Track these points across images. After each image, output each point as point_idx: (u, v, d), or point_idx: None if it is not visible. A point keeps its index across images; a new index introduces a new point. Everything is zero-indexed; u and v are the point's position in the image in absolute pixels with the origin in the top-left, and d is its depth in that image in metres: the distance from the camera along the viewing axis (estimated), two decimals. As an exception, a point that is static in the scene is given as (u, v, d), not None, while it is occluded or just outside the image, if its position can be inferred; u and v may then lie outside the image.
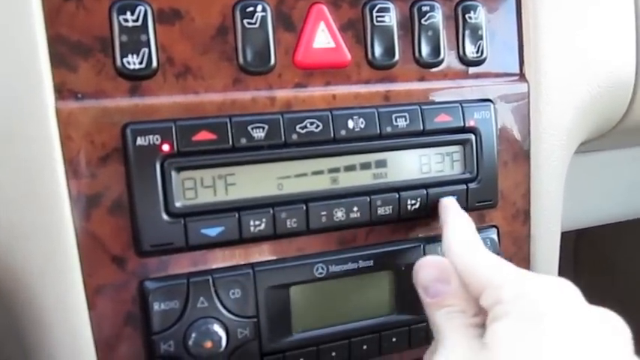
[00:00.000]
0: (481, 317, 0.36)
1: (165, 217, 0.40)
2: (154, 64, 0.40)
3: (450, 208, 0.45)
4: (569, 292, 0.34)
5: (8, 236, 0.38)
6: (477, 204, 0.48)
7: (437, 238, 0.48)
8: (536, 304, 0.33)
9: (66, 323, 0.39)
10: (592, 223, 0.70)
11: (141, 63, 0.40)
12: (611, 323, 0.33)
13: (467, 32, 0.48)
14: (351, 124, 0.44)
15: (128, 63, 0.39)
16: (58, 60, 0.38)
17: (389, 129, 0.45)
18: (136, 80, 0.40)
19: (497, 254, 0.48)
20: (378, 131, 0.45)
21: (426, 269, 0.41)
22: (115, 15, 0.39)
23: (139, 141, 0.39)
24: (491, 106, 0.48)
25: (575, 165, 0.56)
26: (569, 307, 0.33)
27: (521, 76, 0.50)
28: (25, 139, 0.37)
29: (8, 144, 0.37)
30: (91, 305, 0.40)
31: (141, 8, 0.39)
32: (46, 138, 0.38)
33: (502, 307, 0.34)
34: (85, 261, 0.39)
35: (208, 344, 0.40)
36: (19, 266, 0.38)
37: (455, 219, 0.43)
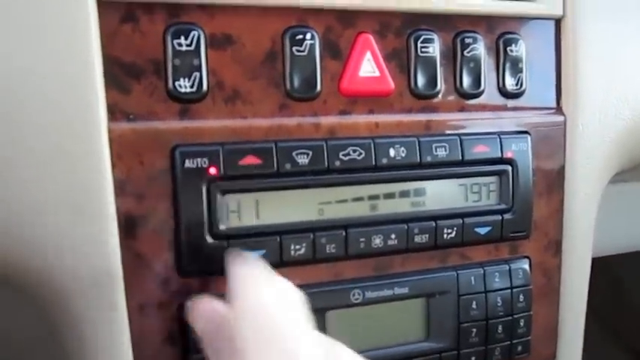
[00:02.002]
0: None
1: (209, 239, 0.41)
2: (205, 87, 0.41)
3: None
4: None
5: (56, 248, 0.38)
6: (511, 234, 0.49)
7: (470, 266, 0.48)
8: None
9: (106, 339, 0.40)
10: (620, 251, 0.71)
11: (192, 87, 0.40)
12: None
13: (507, 65, 0.48)
14: (392, 152, 0.44)
15: (180, 86, 0.40)
16: (111, 81, 0.39)
17: (429, 158, 0.45)
18: (186, 103, 0.40)
19: (529, 285, 0.50)
20: (419, 160, 0.45)
21: (203, 322, 0.38)
22: (169, 39, 0.39)
23: (187, 163, 0.40)
24: (528, 138, 0.49)
25: (606, 193, 0.57)
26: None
27: (558, 109, 0.51)
28: (78, 156, 0.38)
29: (61, 160, 0.37)
30: (132, 323, 0.40)
31: (195, 33, 0.40)
32: (98, 156, 0.38)
33: None
34: (128, 279, 0.40)
35: (246, 366, 0.41)
36: (65, 279, 0.39)
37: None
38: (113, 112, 0.39)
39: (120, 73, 0.39)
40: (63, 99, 0.37)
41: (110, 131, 0.39)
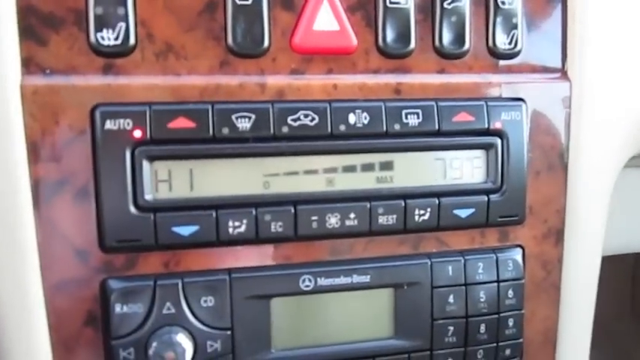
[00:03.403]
0: None
1: (133, 210, 0.36)
2: (132, 40, 0.36)
3: None
4: None
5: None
6: (500, 219, 0.42)
7: (448, 254, 0.42)
8: None
9: (20, 320, 0.36)
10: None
11: (117, 39, 0.36)
12: None
13: (498, 19, 0.41)
14: (352, 118, 0.38)
15: (103, 38, 0.36)
16: (27, 32, 0.35)
17: (397, 127, 0.39)
18: (110, 57, 0.36)
19: (520, 279, 0.42)
20: (385, 129, 0.39)
21: None
22: None
23: (109, 124, 0.35)
24: (523, 106, 0.41)
25: (625, 180, 0.48)
26: None
27: (563, 74, 0.43)
28: (-16, 115, 0.34)
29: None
30: (48, 302, 0.36)
31: None
32: (8, 116, 0.34)
33: None
34: (44, 253, 0.36)
35: (170, 356, 0.36)
36: None
37: None
38: (27, 66, 0.35)
39: (36, 23, 0.35)
40: (-33, 49, 0.33)
41: (23, 87, 0.35)
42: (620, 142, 0.44)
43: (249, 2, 0.37)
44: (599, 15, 0.43)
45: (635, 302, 1.05)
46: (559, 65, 0.43)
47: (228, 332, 0.38)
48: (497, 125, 0.41)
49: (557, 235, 0.44)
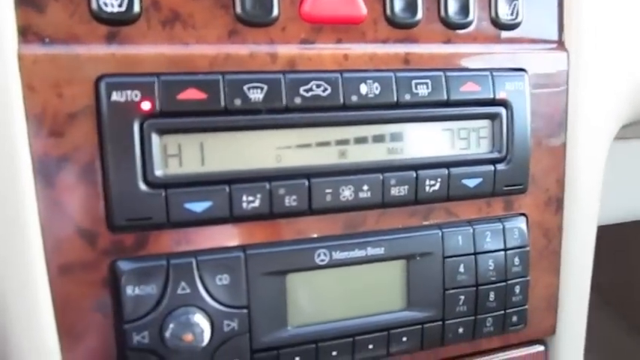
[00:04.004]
0: None
1: (143, 187, 0.34)
2: (136, 7, 0.34)
3: None
4: None
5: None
6: (505, 188, 0.42)
7: (458, 224, 0.42)
8: None
9: (25, 307, 0.34)
10: (630, 218, 0.64)
11: (120, 5, 0.34)
12: None
13: (501, -10, 0.42)
14: (364, 89, 0.38)
15: (105, 4, 0.33)
16: None
17: (408, 97, 0.39)
18: (114, 26, 0.34)
19: (526, 247, 0.43)
20: (395, 99, 0.39)
21: None
22: None
23: (115, 96, 0.33)
24: (525, 76, 0.42)
25: (614, 153, 0.50)
26: None
27: (560, 44, 0.44)
28: (-20, 87, 0.32)
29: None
30: (54, 287, 0.34)
31: None
32: (5, 88, 0.32)
33: None
34: (48, 235, 0.34)
35: (188, 337, 0.35)
36: None
37: None
38: (25, 35, 0.33)
39: None
40: (-41, 15, 0.31)
41: (21, 56, 0.32)
42: (614, 110, 0.46)
43: (258, -31, 0.36)
44: (594, -14, 0.44)
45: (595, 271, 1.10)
46: (556, 37, 0.44)
47: (245, 310, 0.37)
48: (502, 95, 0.41)
49: (558, 204, 0.45)
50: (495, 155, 0.42)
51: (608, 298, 1.02)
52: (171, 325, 0.35)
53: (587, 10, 0.44)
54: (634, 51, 0.47)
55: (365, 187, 0.39)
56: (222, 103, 0.35)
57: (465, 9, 0.41)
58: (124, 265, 0.35)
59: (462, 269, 0.42)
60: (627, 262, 1.02)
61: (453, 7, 0.40)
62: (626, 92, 0.47)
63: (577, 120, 0.44)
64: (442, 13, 0.40)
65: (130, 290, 0.35)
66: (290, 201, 0.37)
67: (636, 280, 1.02)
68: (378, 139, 0.39)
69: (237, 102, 0.35)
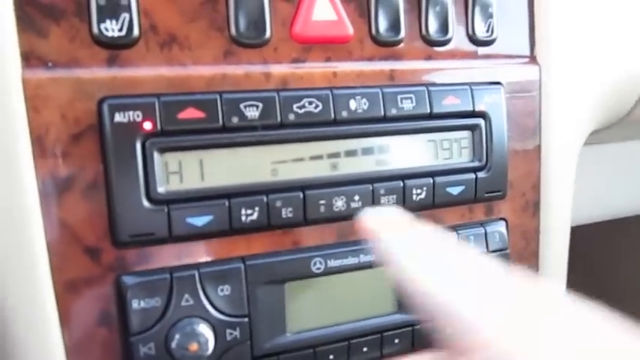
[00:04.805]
0: None
1: (146, 203, 0.36)
2: (136, 31, 0.35)
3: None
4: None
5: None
6: (486, 194, 0.45)
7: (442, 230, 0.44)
8: None
9: (32, 323, 0.35)
10: (600, 218, 0.68)
11: (120, 30, 0.35)
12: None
13: (477, 9, 0.44)
14: (353, 104, 0.40)
15: (106, 29, 0.35)
16: (26, 23, 0.33)
17: (394, 111, 0.41)
18: (114, 49, 0.35)
19: (506, 249, 0.46)
20: (383, 113, 0.41)
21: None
22: None
23: (118, 117, 0.35)
24: (501, 89, 0.45)
25: (583, 157, 0.53)
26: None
27: (532, 59, 0.47)
28: (-15, 112, 0.32)
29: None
30: (60, 303, 0.35)
31: None
32: (11, 111, 0.33)
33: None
34: (54, 252, 0.35)
35: (194, 347, 0.36)
36: None
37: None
38: (28, 59, 0.34)
39: (36, 14, 0.34)
40: (-36, 43, 0.32)
41: (25, 81, 0.33)
42: (584, 118, 0.49)
43: (251, -7, 0.38)
44: (562, 4, 0.47)
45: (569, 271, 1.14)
46: (529, 52, 0.47)
47: (246, 319, 0.38)
48: (481, 107, 0.44)
49: (534, 208, 0.48)
50: (476, 164, 0.44)
51: (580, 296, 1.06)
52: (176, 336, 0.36)
53: (555, 26, 0.47)
54: (602, 61, 0.50)
55: (356, 198, 0.41)
56: (221, 121, 0.37)
57: (444, 27, 0.43)
58: (128, 280, 0.36)
59: (448, 272, 0.44)
60: (596, 261, 1.07)
61: (433, 26, 0.43)
62: (595, 100, 0.50)
63: (549, 128, 0.47)
64: (423, 31, 0.43)
65: (135, 304, 0.36)
66: (286, 212, 0.39)
67: (603, 278, 1.06)
68: (367, 151, 0.41)
69: (235, 120, 0.37)
